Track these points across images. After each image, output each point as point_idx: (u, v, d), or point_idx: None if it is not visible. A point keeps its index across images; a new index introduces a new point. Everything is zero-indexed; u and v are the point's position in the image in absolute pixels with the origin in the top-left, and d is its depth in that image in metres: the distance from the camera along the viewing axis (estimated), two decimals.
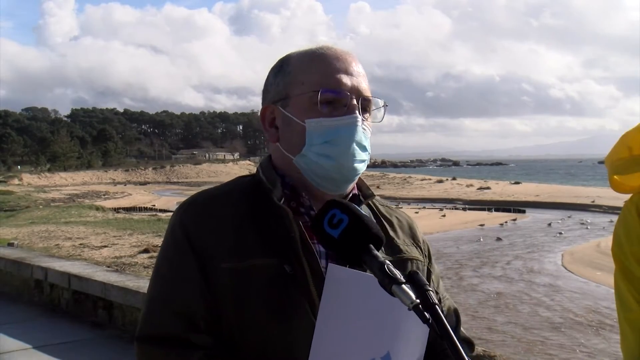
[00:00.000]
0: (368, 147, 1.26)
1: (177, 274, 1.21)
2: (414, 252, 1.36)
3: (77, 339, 6.55)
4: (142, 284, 6.61)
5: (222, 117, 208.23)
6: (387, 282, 0.99)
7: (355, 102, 1.24)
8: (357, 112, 1.24)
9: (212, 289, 1.18)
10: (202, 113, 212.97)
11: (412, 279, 0.99)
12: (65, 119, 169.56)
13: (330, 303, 1.14)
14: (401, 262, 1.31)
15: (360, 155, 1.25)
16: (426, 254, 1.40)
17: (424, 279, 1.00)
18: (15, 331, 6.66)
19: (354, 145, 1.23)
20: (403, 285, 0.98)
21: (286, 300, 1.17)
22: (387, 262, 1.02)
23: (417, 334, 1.17)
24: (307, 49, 1.32)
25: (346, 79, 1.25)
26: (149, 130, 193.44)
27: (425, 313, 0.95)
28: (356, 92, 1.25)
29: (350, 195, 1.31)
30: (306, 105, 1.25)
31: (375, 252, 1.06)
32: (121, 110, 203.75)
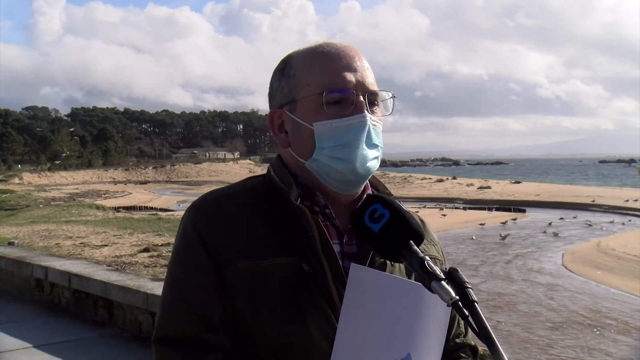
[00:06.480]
0: (380, 143, 1.22)
1: (191, 274, 1.18)
2: (432, 251, 1.34)
3: (77, 338, 6.56)
4: (142, 283, 6.62)
5: (223, 117, 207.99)
6: (427, 278, 0.98)
7: (362, 99, 1.20)
8: (365, 110, 1.20)
9: (227, 289, 1.16)
10: (203, 112, 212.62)
11: (452, 276, 0.99)
12: (66, 118, 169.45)
13: (352, 303, 1.12)
14: None
15: (373, 153, 1.21)
16: (442, 255, 1.38)
17: (464, 276, 0.99)
18: (16, 330, 6.67)
19: (366, 145, 1.19)
20: (442, 282, 0.97)
21: (304, 299, 1.14)
22: (427, 258, 1.01)
23: (437, 335, 1.16)
24: (308, 47, 1.28)
25: (350, 76, 1.21)
26: (149, 130, 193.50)
27: (464, 310, 0.95)
28: (362, 88, 1.21)
29: (366, 195, 1.27)
30: (313, 108, 1.21)
31: (415, 247, 1.05)
32: (121, 109, 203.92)
